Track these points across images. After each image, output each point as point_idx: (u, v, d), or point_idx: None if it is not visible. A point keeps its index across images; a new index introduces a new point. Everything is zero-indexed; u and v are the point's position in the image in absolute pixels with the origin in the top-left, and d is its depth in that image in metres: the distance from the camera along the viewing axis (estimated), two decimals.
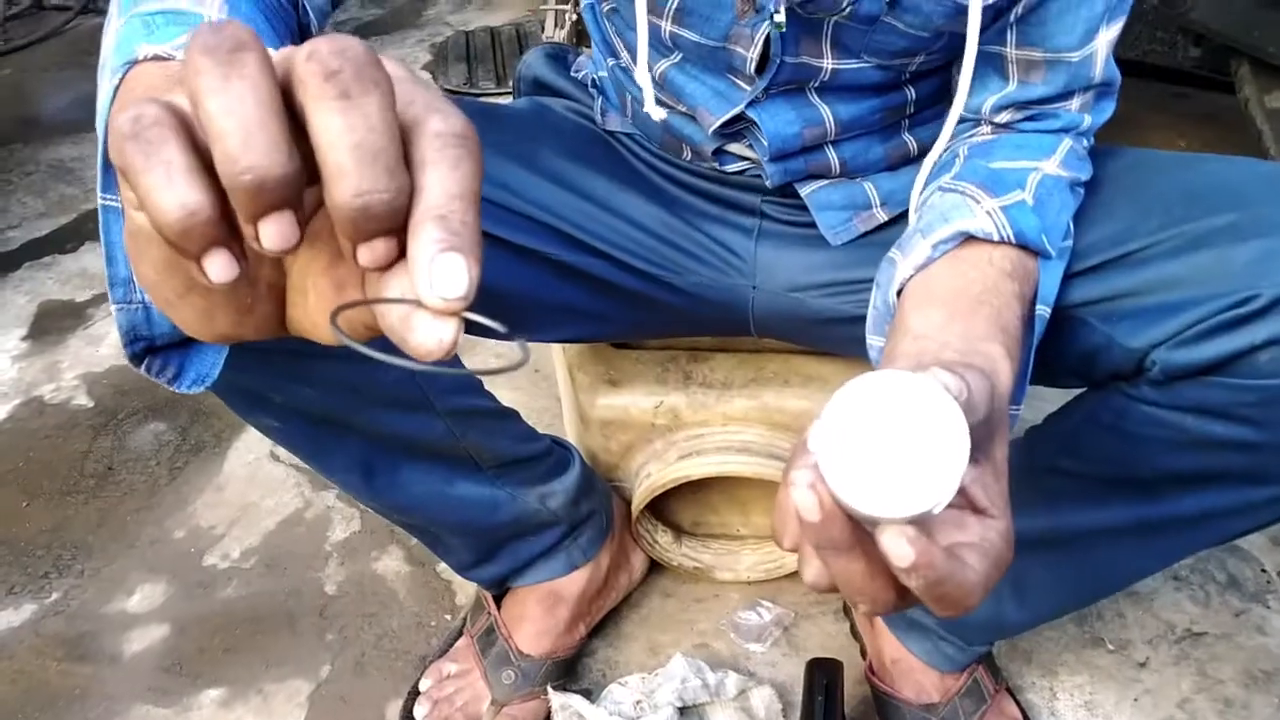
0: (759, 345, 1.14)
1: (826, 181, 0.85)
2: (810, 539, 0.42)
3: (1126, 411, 0.72)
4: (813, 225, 0.86)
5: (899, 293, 0.64)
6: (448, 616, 1.22)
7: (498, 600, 1.12)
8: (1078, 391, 0.80)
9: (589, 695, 1.09)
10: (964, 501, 0.46)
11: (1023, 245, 0.64)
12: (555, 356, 1.30)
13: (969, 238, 0.63)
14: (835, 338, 0.91)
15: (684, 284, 0.89)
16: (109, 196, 0.43)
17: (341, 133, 0.29)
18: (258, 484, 1.42)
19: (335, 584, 1.27)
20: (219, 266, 0.31)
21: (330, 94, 0.29)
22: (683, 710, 1.06)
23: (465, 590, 1.24)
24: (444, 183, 0.31)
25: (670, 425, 1.11)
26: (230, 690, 1.15)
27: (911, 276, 0.64)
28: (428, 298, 0.31)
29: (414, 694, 1.09)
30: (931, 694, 1.02)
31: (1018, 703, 1.06)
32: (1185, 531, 0.78)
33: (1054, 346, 0.73)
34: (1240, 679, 1.11)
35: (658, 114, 0.77)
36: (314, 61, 0.30)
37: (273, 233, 0.30)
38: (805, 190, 0.84)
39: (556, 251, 0.84)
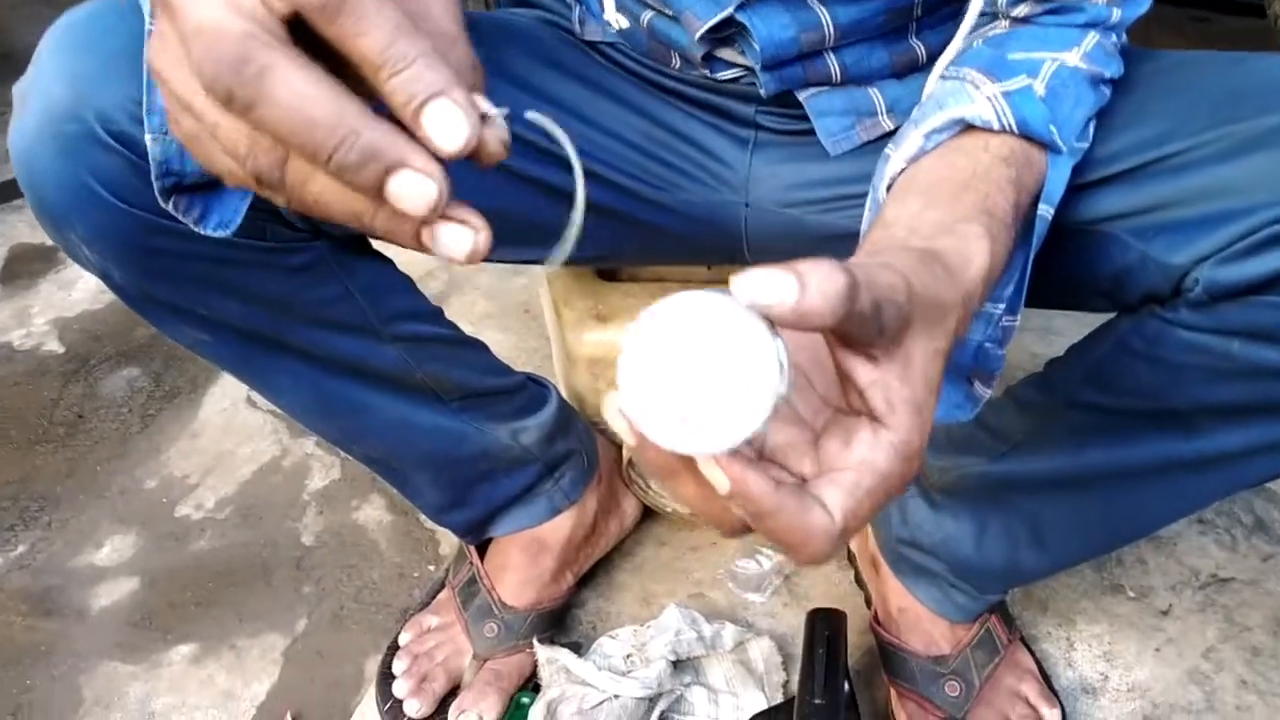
0: None
1: (827, 87, 0.77)
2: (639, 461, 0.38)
3: (1162, 337, 0.65)
4: (811, 135, 0.78)
5: (890, 189, 0.58)
6: (431, 567, 1.16)
7: (481, 550, 1.06)
8: (1102, 319, 0.72)
9: (578, 649, 1.03)
10: (857, 407, 0.41)
11: (1026, 136, 0.57)
12: (541, 291, 1.23)
13: (967, 126, 0.57)
14: (836, 258, 0.83)
15: (670, 201, 0.82)
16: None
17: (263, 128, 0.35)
18: (233, 431, 1.36)
19: (313, 534, 1.21)
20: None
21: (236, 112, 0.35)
22: (677, 664, 1.00)
23: (449, 540, 1.18)
24: (368, 46, 0.34)
25: None
26: (202, 645, 1.10)
27: (903, 170, 0.58)
28: (443, 152, 0.34)
29: (393, 648, 1.04)
30: (941, 645, 0.96)
31: (1032, 653, 1.00)
32: (1224, 470, 0.71)
33: (1080, 265, 0.66)
34: (1269, 626, 1.04)
35: (618, 21, 0.69)
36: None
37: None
38: (804, 95, 0.77)
39: (524, 165, 0.76)
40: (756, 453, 0.42)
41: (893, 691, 0.97)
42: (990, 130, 0.57)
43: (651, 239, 0.86)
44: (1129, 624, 1.06)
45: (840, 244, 0.80)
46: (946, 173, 0.55)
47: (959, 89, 0.58)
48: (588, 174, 0.81)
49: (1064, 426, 0.77)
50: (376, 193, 0.35)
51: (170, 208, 0.48)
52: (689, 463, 0.38)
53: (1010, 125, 0.56)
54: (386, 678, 1.01)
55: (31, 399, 1.42)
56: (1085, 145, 0.62)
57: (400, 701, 0.99)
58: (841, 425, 0.42)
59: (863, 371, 0.40)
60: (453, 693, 1.00)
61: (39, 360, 1.49)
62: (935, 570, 0.94)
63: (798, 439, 0.43)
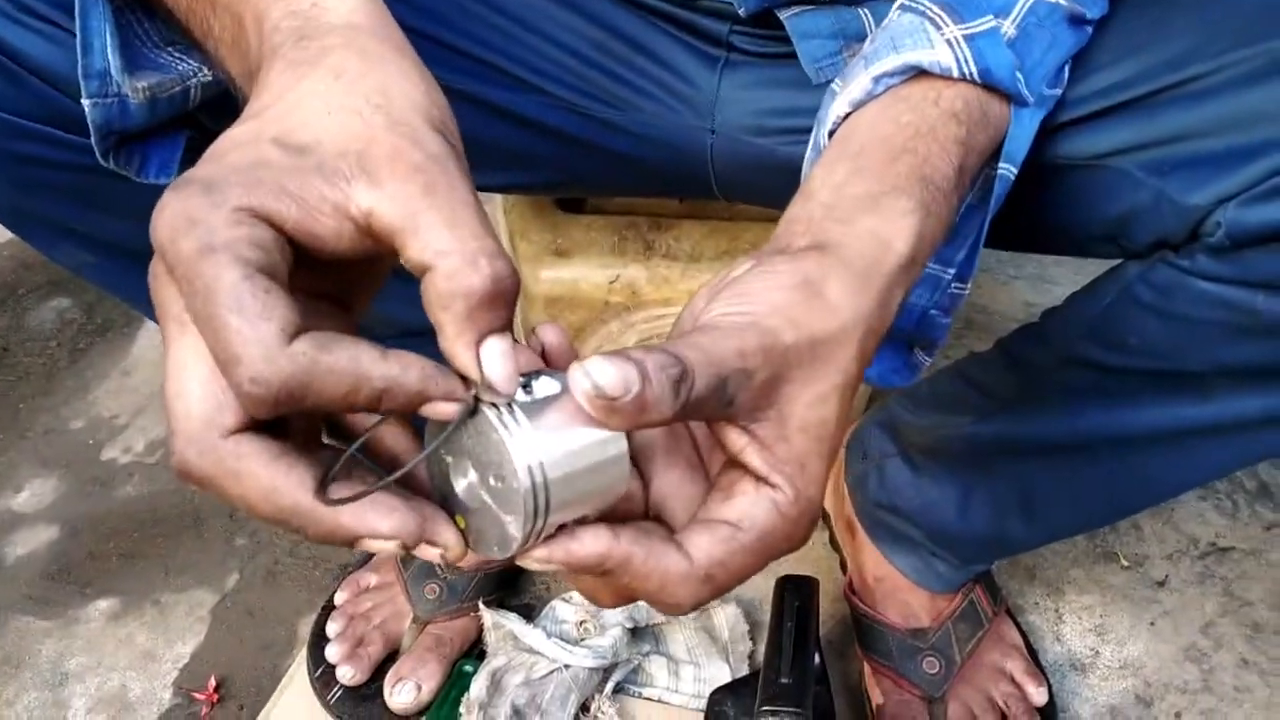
0: (733, 212, 0.98)
1: (812, 6, 0.67)
2: None
3: (1176, 288, 0.57)
4: (791, 58, 0.68)
5: (832, 134, 0.51)
6: None
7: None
8: (1105, 265, 0.64)
9: (528, 612, 0.95)
10: (740, 472, 0.38)
11: (989, 86, 0.49)
12: (497, 221, 1.13)
13: (921, 72, 0.49)
14: None
15: (626, 123, 0.72)
16: None
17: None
18: None
19: None
20: None
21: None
22: (635, 631, 0.92)
23: None
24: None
25: (627, 303, 0.96)
26: (123, 601, 1.01)
27: (848, 115, 0.50)
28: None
29: (328, 609, 0.96)
30: (920, 617, 0.89)
31: (1018, 626, 0.93)
32: (1239, 439, 0.64)
33: (1082, 205, 0.58)
34: (1271, 600, 0.97)
35: None
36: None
37: None
38: (786, 14, 0.67)
39: (457, 80, 0.67)
40: (640, 508, 0.40)
41: (866, 666, 0.90)
42: (947, 78, 0.48)
43: (610, 166, 0.76)
44: (1122, 595, 0.98)
45: None
46: (886, 130, 0.48)
47: (917, 27, 0.50)
48: (534, 90, 0.72)
49: (1060, 386, 0.70)
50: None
51: (112, 164, 0.50)
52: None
53: (971, 74, 0.48)
54: (319, 640, 0.93)
55: None
56: (1058, 92, 0.54)
57: (333, 667, 0.91)
58: (727, 476, 0.39)
59: (732, 438, 0.38)
60: (391, 658, 0.92)
61: None
62: (915, 538, 0.87)
63: (688, 491, 0.40)
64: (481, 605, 0.93)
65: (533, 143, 0.72)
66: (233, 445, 0.33)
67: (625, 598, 0.39)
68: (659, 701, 0.91)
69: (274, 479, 0.33)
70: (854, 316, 0.40)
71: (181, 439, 0.33)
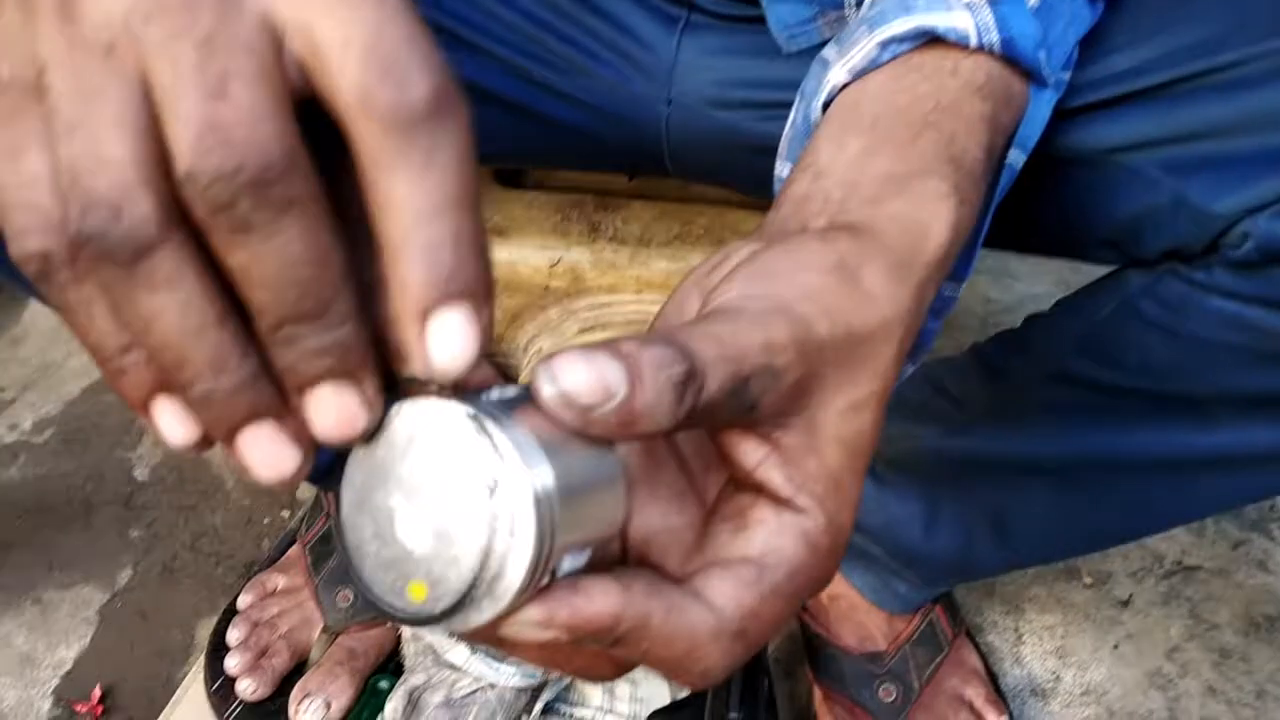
0: (686, 193, 0.90)
1: None
2: None
3: (1186, 304, 0.51)
4: (759, 23, 0.61)
5: (827, 106, 0.43)
6: (285, 514, 0.99)
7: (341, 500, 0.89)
8: (1084, 265, 0.58)
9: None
10: (749, 483, 0.30)
11: (1009, 59, 0.42)
12: None
13: (934, 39, 0.41)
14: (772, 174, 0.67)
15: (574, 90, 0.64)
16: None
17: (245, 269, 0.22)
18: (64, 339, 1.16)
19: (147, 467, 1.03)
20: None
21: (224, 229, 0.22)
22: None
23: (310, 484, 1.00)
24: (413, 199, 0.23)
25: (569, 289, 0.88)
26: (0, 598, 0.91)
27: (846, 84, 0.42)
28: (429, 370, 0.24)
29: (229, 613, 0.87)
30: (876, 640, 0.82)
31: (978, 648, 0.87)
32: (1242, 475, 0.59)
33: (1087, 206, 0.52)
34: (1238, 625, 0.93)
35: None
36: (194, 188, 0.21)
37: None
38: None
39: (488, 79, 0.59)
40: (618, 553, 0.31)
41: (817, 690, 0.83)
42: (963, 47, 0.41)
43: (556, 137, 0.68)
44: (1084, 615, 0.93)
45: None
46: (902, 100, 0.40)
47: None
48: (472, 48, 0.64)
49: (1043, 402, 0.63)
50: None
51: None
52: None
53: (991, 43, 0.41)
54: (219, 650, 0.84)
55: None
56: (1067, 76, 0.48)
57: (233, 680, 0.82)
58: (734, 503, 0.31)
59: (747, 450, 0.30)
60: (297, 671, 0.84)
61: None
62: (874, 554, 0.80)
63: (676, 523, 0.31)
64: None
65: (476, 111, 0.64)
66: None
67: (626, 669, 0.31)
68: None
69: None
70: (895, 311, 0.32)
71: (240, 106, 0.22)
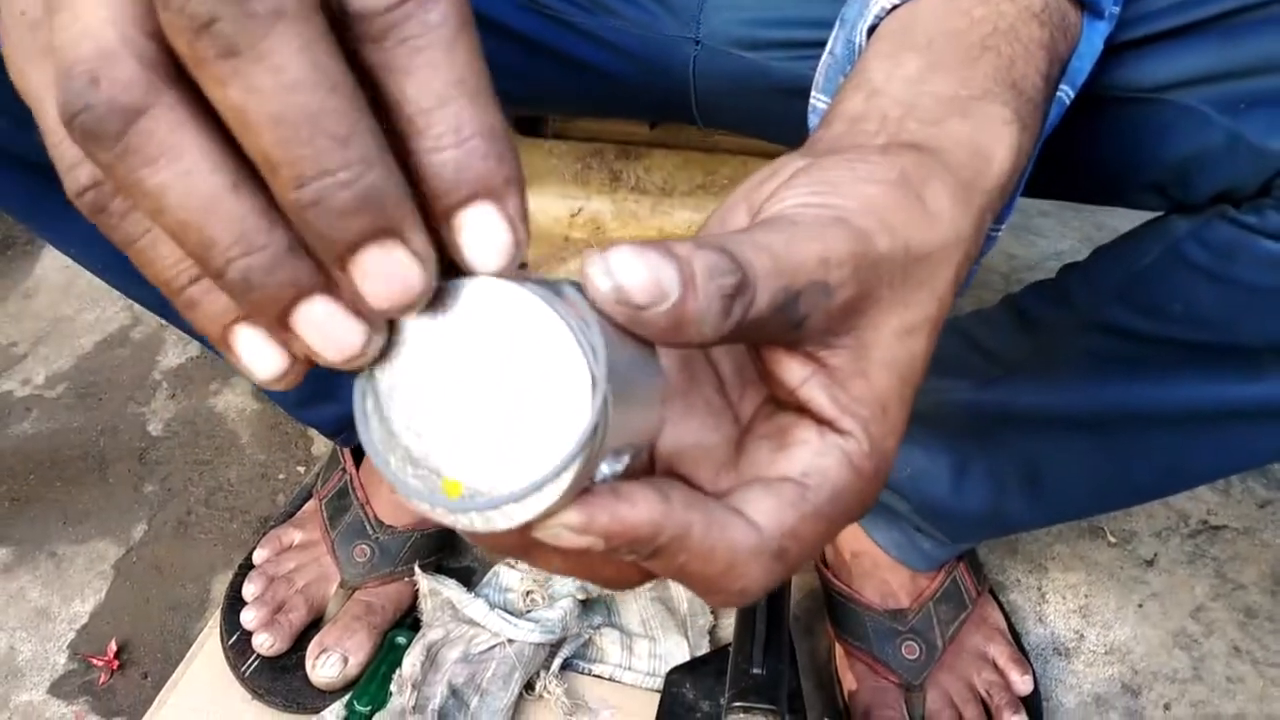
0: (710, 143, 0.88)
1: None
2: None
3: (1237, 248, 0.49)
4: None
5: (871, 31, 0.40)
6: (300, 469, 0.98)
7: (358, 455, 0.87)
8: (1099, 216, 0.56)
9: (469, 577, 0.87)
10: (790, 402, 0.29)
11: None
12: None
13: None
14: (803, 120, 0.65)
15: (602, 31, 0.62)
16: None
17: (243, 109, 0.19)
18: (76, 293, 1.15)
19: (162, 421, 1.01)
20: None
21: (211, 57, 0.19)
22: (585, 603, 0.84)
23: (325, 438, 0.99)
24: (409, 98, 0.21)
25: (590, 239, 0.87)
26: (14, 552, 0.91)
27: (893, 8, 0.39)
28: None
29: (245, 567, 0.86)
30: (900, 597, 0.81)
31: (1001, 607, 0.86)
32: None
33: (1134, 146, 0.49)
34: (1265, 584, 0.91)
35: None
36: (172, 12, 0.19)
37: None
38: None
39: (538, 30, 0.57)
40: (645, 465, 0.30)
41: (839, 648, 0.82)
42: None
43: (582, 82, 0.66)
44: (1108, 574, 0.92)
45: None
46: (958, 23, 0.38)
47: None
48: None
49: (1081, 353, 0.62)
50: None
51: None
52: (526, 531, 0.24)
53: None
54: (235, 604, 0.84)
55: None
56: (1117, 11, 0.45)
57: (249, 634, 0.81)
58: (774, 422, 0.29)
59: (792, 369, 0.28)
60: (314, 626, 0.83)
61: None
62: (899, 510, 0.79)
63: (711, 440, 0.30)
64: (417, 570, 0.84)
65: (489, 49, 0.62)
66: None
67: (650, 579, 0.29)
68: (610, 680, 0.83)
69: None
70: (956, 233, 0.30)
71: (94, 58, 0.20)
